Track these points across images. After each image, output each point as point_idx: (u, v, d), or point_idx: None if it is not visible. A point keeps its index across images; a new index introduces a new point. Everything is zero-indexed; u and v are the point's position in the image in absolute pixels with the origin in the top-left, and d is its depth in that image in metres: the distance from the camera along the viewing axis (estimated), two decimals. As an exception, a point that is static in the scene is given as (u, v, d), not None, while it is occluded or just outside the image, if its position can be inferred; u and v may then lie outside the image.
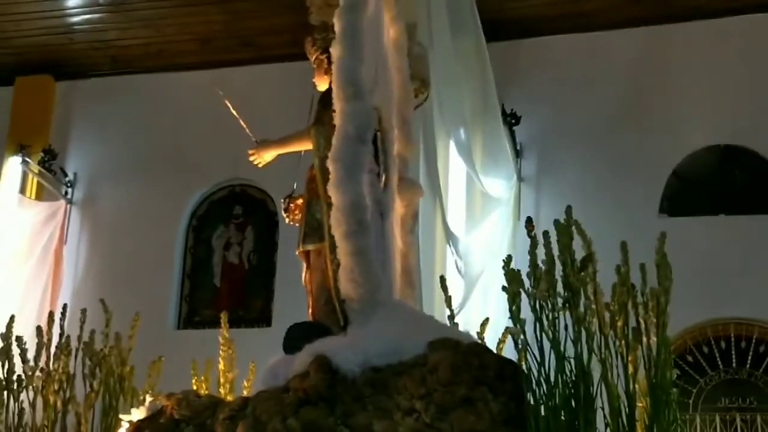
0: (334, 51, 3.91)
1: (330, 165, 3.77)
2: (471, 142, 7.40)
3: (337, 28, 3.91)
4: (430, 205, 6.60)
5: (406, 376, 3.32)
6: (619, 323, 3.29)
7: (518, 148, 8.20)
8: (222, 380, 5.06)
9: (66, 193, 9.01)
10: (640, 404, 3.27)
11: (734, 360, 7.48)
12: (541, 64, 8.39)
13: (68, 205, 8.98)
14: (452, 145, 7.28)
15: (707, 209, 7.86)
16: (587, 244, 3.40)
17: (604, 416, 3.21)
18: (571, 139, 8.16)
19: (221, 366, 5.10)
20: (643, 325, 3.33)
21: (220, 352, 5.14)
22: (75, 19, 8.60)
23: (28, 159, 8.82)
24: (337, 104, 3.85)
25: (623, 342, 3.29)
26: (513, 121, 8.09)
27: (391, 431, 3.22)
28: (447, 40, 6.77)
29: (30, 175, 8.92)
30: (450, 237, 6.82)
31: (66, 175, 9.04)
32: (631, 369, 3.27)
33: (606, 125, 8.10)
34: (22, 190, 8.88)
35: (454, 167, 7.44)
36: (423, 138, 6.43)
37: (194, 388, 5.03)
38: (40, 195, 9.00)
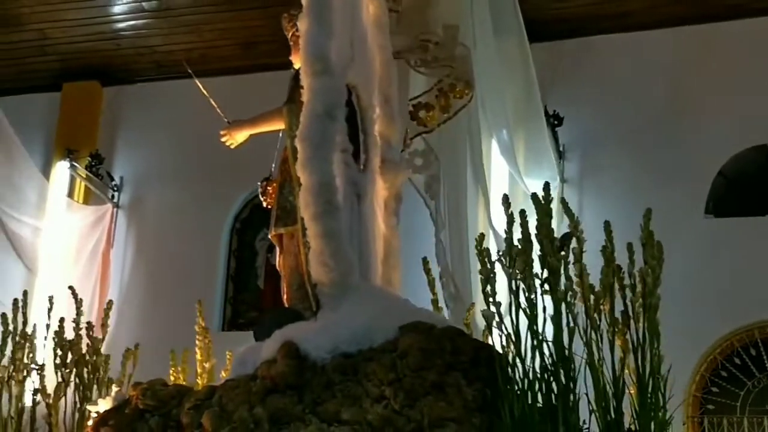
0: (301, 24, 3.75)
1: (298, 144, 3.62)
2: (514, 143, 7.38)
3: (304, 0, 3.75)
4: (475, 205, 6.61)
5: (375, 362, 3.18)
6: (605, 306, 3.13)
7: (561, 149, 8.14)
8: (199, 370, 4.95)
9: (113, 196, 9.12)
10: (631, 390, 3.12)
11: (782, 363, 7.38)
12: (584, 65, 8.31)
13: (115, 209, 9.09)
14: (495, 145, 7.28)
15: (754, 210, 7.73)
16: (573, 224, 3.26)
17: (589, 402, 3.06)
18: (615, 140, 8.06)
19: (198, 356, 4.97)
20: (630, 308, 3.16)
21: (196, 342, 5.01)
22: (121, 25, 8.70)
23: (75, 163, 8.94)
24: (304, 80, 3.70)
25: (611, 326, 3.13)
26: (556, 122, 8.03)
27: (359, 419, 3.08)
28: (490, 41, 6.74)
29: (77, 180, 9.03)
30: (496, 238, 6.81)
31: (112, 179, 9.15)
32: (620, 353, 3.12)
33: (650, 125, 7.99)
34: (70, 194, 8.99)
35: (497, 168, 7.43)
36: (469, 139, 6.43)
37: (172, 378, 4.94)
38: (88, 199, 9.11)
